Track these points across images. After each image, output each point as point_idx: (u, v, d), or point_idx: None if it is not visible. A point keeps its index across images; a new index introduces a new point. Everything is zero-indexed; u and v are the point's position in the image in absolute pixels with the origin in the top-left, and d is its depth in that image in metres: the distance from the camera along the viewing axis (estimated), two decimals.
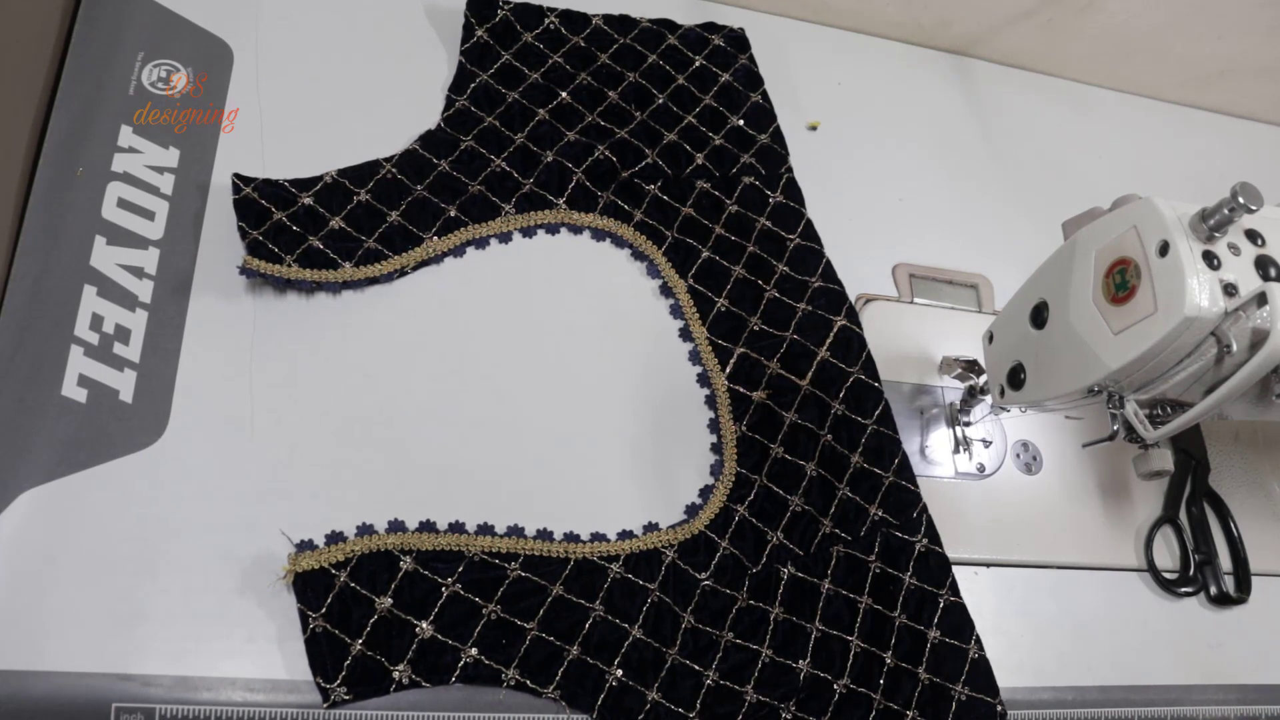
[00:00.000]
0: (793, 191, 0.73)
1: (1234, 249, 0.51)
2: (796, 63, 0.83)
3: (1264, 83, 0.96)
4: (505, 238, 0.65)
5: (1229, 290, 0.50)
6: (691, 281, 0.67)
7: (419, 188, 0.64)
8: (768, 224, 0.71)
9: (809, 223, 0.72)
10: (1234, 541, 0.71)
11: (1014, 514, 0.68)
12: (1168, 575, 0.69)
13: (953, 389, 0.71)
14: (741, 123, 0.74)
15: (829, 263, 0.71)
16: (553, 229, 0.67)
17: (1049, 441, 0.72)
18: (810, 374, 0.65)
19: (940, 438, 0.70)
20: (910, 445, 0.68)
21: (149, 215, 0.60)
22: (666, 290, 0.67)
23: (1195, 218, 0.51)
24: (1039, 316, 0.60)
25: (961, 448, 0.69)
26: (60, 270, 0.57)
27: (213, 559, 0.52)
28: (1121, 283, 0.53)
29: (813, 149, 0.79)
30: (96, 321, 0.56)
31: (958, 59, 0.91)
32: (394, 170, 0.64)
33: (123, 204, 0.60)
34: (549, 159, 0.68)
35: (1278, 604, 0.71)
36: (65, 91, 0.62)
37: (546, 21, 0.74)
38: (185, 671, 0.49)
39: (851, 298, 0.73)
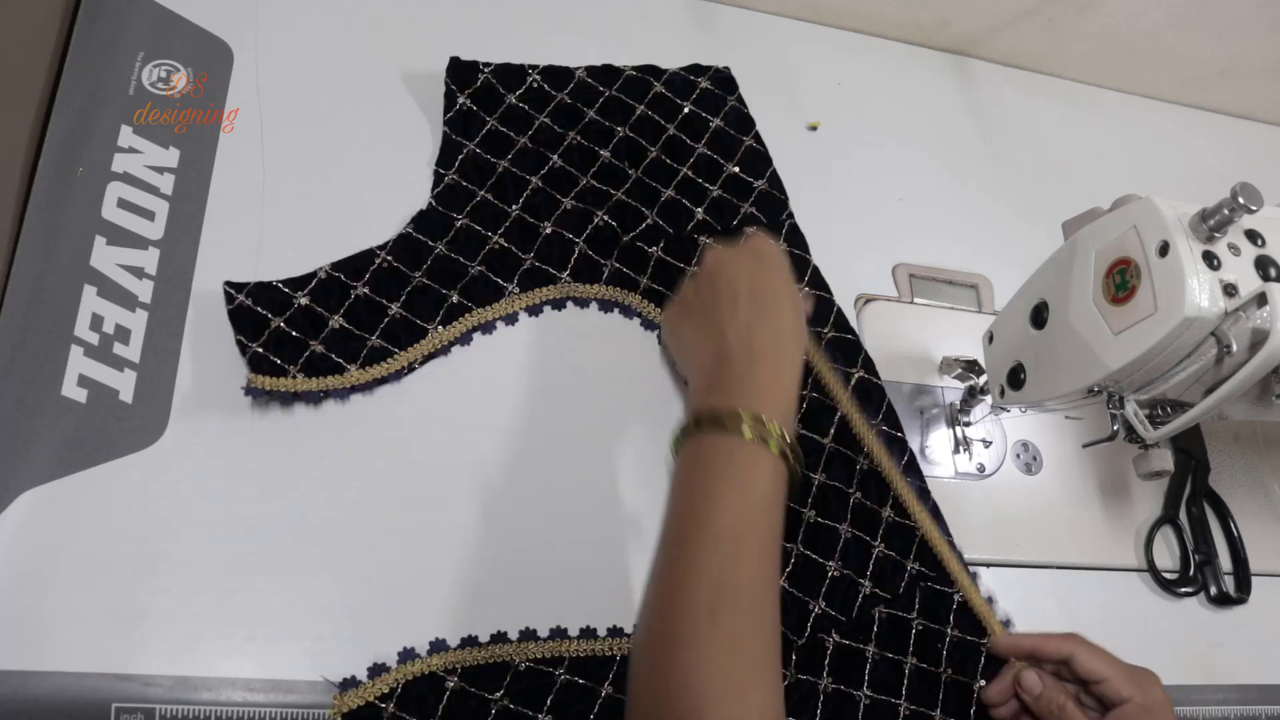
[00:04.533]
0: (796, 239, 0.71)
1: (1234, 249, 0.51)
2: (796, 63, 0.83)
3: (1264, 83, 0.96)
4: (511, 319, 0.63)
5: (1229, 290, 0.50)
6: None
7: (417, 275, 0.61)
8: None
9: (816, 269, 0.70)
10: (1234, 541, 0.71)
11: (1014, 514, 0.68)
12: (1168, 575, 0.69)
13: (953, 389, 0.71)
14: (738, 169, 0.72)
15: (840, 311, 0.69)
16: (559, 304, 0.65)
17: (1049, 441, 0.72)
18: (832, 430, 0.63)
19: (940, 438, 0.70)
20: (910, 445, 0.68)
21: (149, 215, 0.60)
22: None
23: (1195, 218, 0.51)
24: (1039, 316, 0.60)
25: (961, 448, 0.69)
26: (60, 270, 0.57)
27: (213, 559, 0.52)
28: (1121, 283, 0.53)
29: (813, 149, 0.79)
30: (96, 321, 0.56)
31: (958, 59, 0.91)
32: (389, 259, 0.61)
33: (123, 204, 0.60)
34: (548, 230, 0.65)
35: (1278, 604, 0.71)
36: (65, 91, 0.62)
37: (529, 80, 0.71)
38: (185, 671, 0.49)
39: (851, 298, 0.73)
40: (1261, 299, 0.49)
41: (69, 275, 0.57)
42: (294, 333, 0.57)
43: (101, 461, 0.53)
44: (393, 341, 0.59)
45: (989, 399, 0.67)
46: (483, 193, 0.65)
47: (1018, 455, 0.71)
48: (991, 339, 0.65)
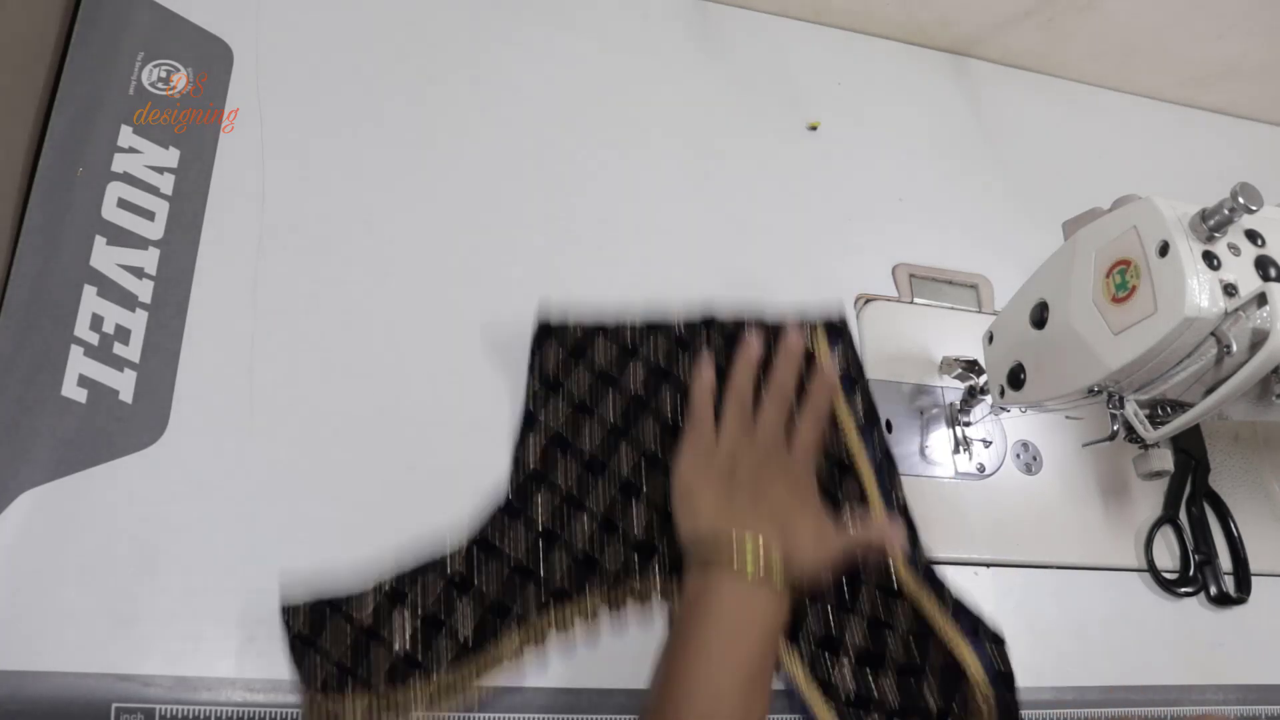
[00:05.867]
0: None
1: (1234, 249, 0.51)
2: (796, 63, 0.83)
3: (1264, 83, 0.96)
4: (591, 615, 0.57)
5: (1229, 290, 0.50)
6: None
7: (489, 578, 0.56)
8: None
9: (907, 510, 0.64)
10: (1234, 541, 0.71)
11: (1014, 514, 0.68)
12: (1168, 575, 0.69)
13: (953, 389, 0.71)
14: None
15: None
16: (642, 596, 0.58)
17: (1049, 441, 0.72)
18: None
19: (940, 438, 0.70)
20: (910, 445, 0.68)
21: (149, 215, 0.60)
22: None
23: (1195, 218, 0.51)
24: (1039, 316, 0.60)
25: (961, 448, 0.69)
26: (60, 270, 0.57)
27: (213, 559, 0.52)
28: (1121, 283, 0.53)
29: (813, 149, 0.79)
30: (96, 321, 0.56)
31: (958, 59, 0.91)
32: (461, 566, 0.55)
33: (123, 204, 0.60)
34: (633, 532, 0.59)
35: (1278, 604, 0.71)
36: (65, 91, 0.62)
37: (624, 337, 0.64)
38: (185, 671, 0.49)
39: (851, 298, 0.73)
40: (1261, 299, 0.49)
41: (69, 275, 0.57)
42: (350, 661, 0.51)
43: (101, 461, 0.53)
44: (463, 653, 0.53)
45: (989, 399, 0.67)
46: (565, 484, 0.59)
47: (1018, 455, 0.71)
48: (991, 339, 0.65)
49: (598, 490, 0.60)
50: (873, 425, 0.65)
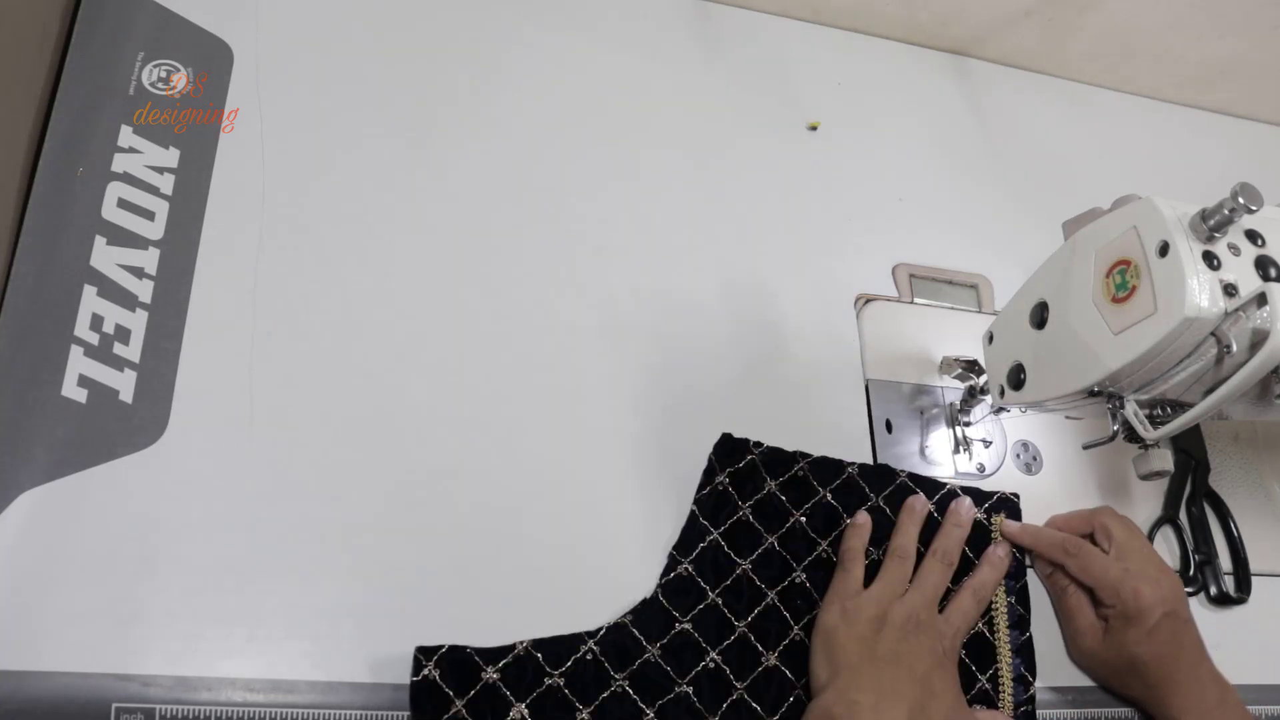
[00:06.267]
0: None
1: (1234, 249, 0.51)
2: (796, 63, 0.83)
3: (1264, 83, 0.96)
4: None
5: (1229, 290, 0.50)
6: None
7: (619, 678, 0.54)
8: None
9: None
10: (1234, 541, 0.71)
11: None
12: None
13: (953, 389, 0.71)
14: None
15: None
16: None
17: (1049, 441, 0.72)
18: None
19: (940, 438, 0.70)
20: (910, 445, 0.68)
21: (149, 215, 0.60)
22: None
23: (1195, 218, 0.51)
24: (1039, 316, 0.60)
25: (961, 448, 0.69)
26: (60, 270, 0.57)
27: (213, 559, 0.52)
28: (1121, 283, 0.53)
29: (813, 149, 0.79)
30: (96, 321, 0.56)
31: (957, 59, 0.91)
32: (595, 649, 0.54)
33: (123, 204, 0.59)
34: (769, 662, 0.57)
35: (1278, 604, 0.71)
36: (65, 91, 0.62)
37: (796, 469, 0.63)
38: (185, 671, 0.49)
39: (851, 298, 0.73)
40: (1261, 299, 0.49)
41: (69, 275, 0.57)
42: (471, 718, 0.51)
43: (101, 461, 0.53)
44: None
45: (989, 399, 0.67)
46: (714, 594, 0.58)
47: (1018, 455, 0.71)
48: (991, 339, 0.65)
49: (749, 612, 0.58)
50: (1022, 630, 0.63)
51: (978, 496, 0.66)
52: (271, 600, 0.52)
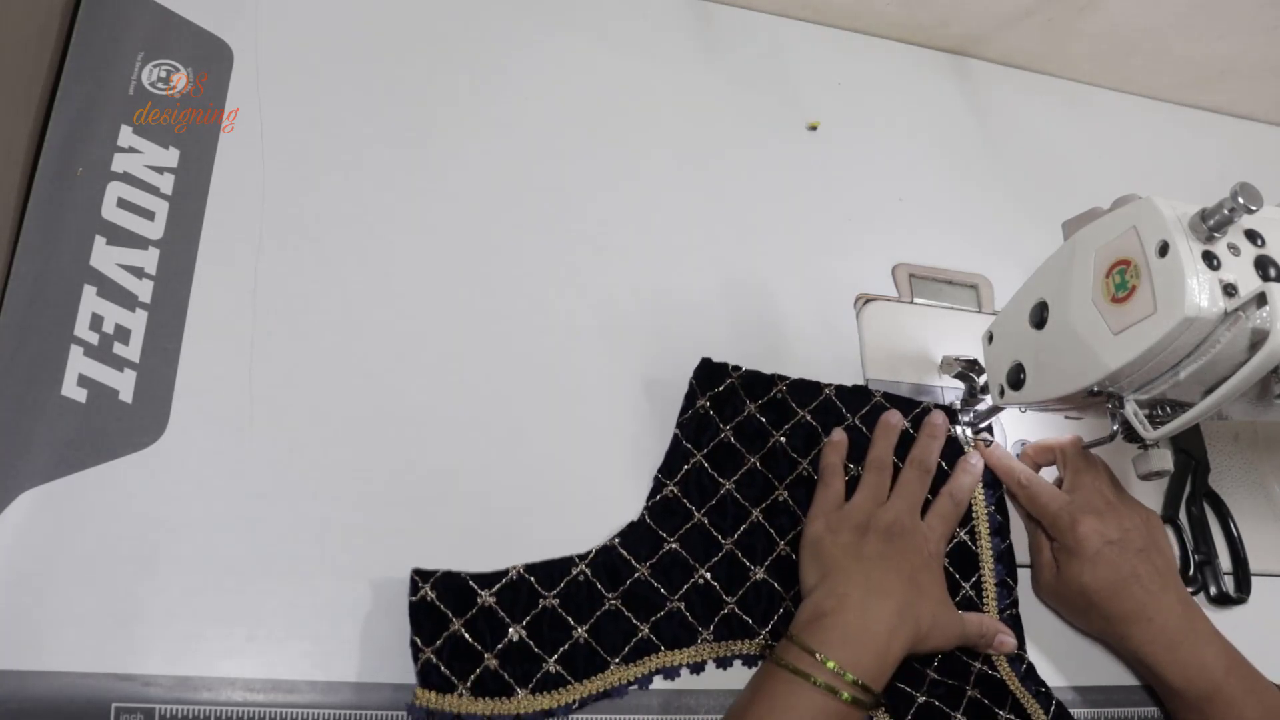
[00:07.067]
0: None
1: (1234, 249, 0.51)
2: (796, 63, 0.83)
3: (1264, 83, 0.96)
4: (698, 667, 0.56)
5: (1229, 290, 0.50)
6: None
7: (612, 596, 0.56)
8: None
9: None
10: (1234, 541, 0.71)
11: (1014, 514, 0.68)
12: None
13: (953, 389, 0.71)
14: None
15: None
16: (750, 660, 0.57)
17: None
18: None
19: None
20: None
21: (149, 215, 0.60)
22: None
23: (1195, 218, 0.51)
24: (1039, 316, 0.60)
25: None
26: (60, 270, 0.57)
27: (213, 559, 0.52)
28: (1121, 283, 0.53)
29: (813, 149, 0.79)
30: (96, 321, 0.56)
31: (957, 59, 0.91)
32: (587, 571, 0.56)
33: (123, 204, 0.60)
34: (757, 576, 0.59)
35: (1278, 604, 0.71)
36: (65, 91, 0.62)
37: (775, 391, 0.64)
38: (185, 671, 0.49)
39: (851, 297, 0.73)
40: (1261, 299, 0.49)
41: (69, 275, 0.57)
42: (470, 638, 0.52)
43: (101, 461, 0.53)
44: (570, 669, 0.53)
45: (989, 399, 0.67)
46: (699, 514, 0.60)
47: (1018, 455, 0.71)
48: (991, 339, 0.65)
49: (735, 530, 0.60)
50: (1003, 537, 0.64)
51: (953, 416, 0.67)
52: (271, 600, 0.52)
